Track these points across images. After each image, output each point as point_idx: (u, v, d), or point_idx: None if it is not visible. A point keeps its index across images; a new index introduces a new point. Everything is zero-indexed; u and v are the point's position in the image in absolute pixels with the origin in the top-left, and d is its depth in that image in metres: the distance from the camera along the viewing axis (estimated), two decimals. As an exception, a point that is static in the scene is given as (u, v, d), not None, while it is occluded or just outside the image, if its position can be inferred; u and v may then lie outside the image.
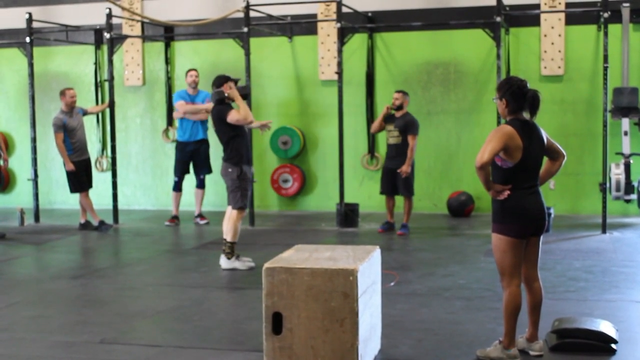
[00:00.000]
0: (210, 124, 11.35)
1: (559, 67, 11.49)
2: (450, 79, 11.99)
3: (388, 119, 10.10)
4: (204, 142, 11.24)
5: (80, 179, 10.70)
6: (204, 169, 11.28)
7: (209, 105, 11.11)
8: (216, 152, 11.65)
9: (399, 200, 10.36)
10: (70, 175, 10.67)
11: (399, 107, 10.02)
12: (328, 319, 4.54)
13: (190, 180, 11.50)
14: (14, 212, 11.81)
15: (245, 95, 8.30)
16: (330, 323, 4.54)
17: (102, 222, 10.76)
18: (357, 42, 12.13)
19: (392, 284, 7.10)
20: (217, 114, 8.10)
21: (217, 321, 6.10)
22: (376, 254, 5.16)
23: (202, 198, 11.41)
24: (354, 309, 4.52)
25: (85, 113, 11.06)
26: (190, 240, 10.22)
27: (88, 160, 10.94)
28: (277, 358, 4.63)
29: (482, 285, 7.06)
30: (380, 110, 10.41)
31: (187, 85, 11.29)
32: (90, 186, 10.92)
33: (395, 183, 10.04)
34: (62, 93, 10.68)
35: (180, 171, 11.26)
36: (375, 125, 10.37)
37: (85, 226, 10.84)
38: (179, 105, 11.04)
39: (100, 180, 12.74)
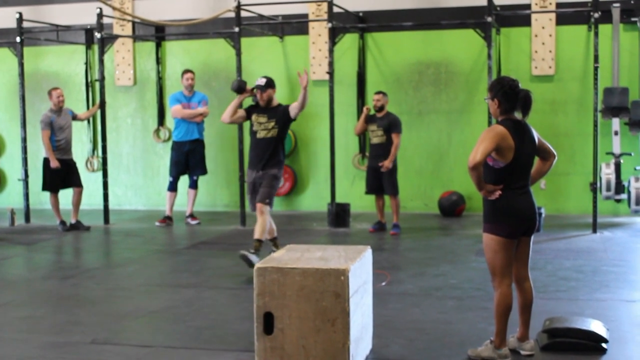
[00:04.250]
0: (206, 124, 11.39)
1: (550, 67, 11.52)
2: (442, 79, 12.00)
3: (370, 119, 10.18)
4: (200, 143, 11.23)
5: (55, 179, 10.72)
6: (198, 169, 11.27)
7: (205, 109, 11.12)
8: (210, 153, 11.66)
9: (388, 199, 10.35)
10: (48, 172, 10.69)
11: (381, 108, 10.09)
12: (319, 318, 4.54)
13: (182, 180, 11.47)
14: (4, 212, 11.77)
15: (239, 88, 8.04)
16: (322, 323, 4.54)
17: (62, 222, 10.83)
18: (348, 42, 12.14)
19: (383, 283, 7.10)
20: (285, 116, 7.97)
21: (209, 321, 6.10)
22: (367, 253, 5.16)
23: (194, 198, 11.39)
24: (346, 309, 4.52)
25: (75, 117, 11.04)
26: (181, 241, 10.20)
27: (70, 161, 10.91)
28: (268, 358, 4.62)
29: (473, 285, 7.07)
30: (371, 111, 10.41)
31: (182, 87, 11.26)
32: (78, 185, 10.90)
33: (381, 182, 10.10)
34: (49, 93, 10.77)
35: (176, 171, 11.25)
36: (358, 127, 10.45)
37: (76, 226, 10.81)
38: (176, 111, 11.02)
39: (91, 180, 12.72)
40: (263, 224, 7.76)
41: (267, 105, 7.97)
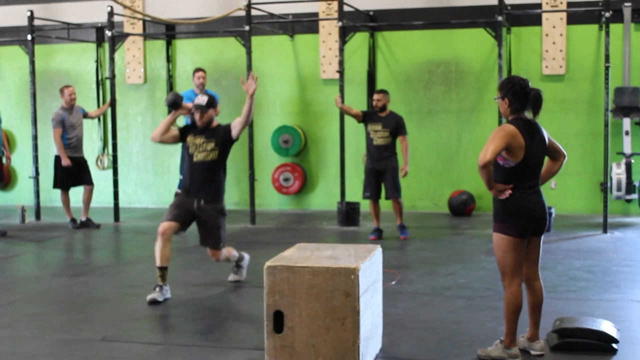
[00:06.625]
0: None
1: (561, 67, 11.49)
2: (452, 78, 11.99)
3: (371, 118, 9.57)
4: None
5: (66, 177, 10.75)
6: None
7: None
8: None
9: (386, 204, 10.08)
10: (59, 170, 10.73)
11: (383, 108, 9.47)
12: (329, 317, 4.54)
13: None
14: (15, 209, 11.82)
15: (174, 103, 7.07)
16: (332, 322, 4.54)
17: (73, 220, 10.87)
18: (359, 40, 12.14)
19: (393, 282, 7.10)
20: (226, 135, 6.96)
21: (218, 319, 6.11)
22: (377, 252, 5.16)
23: (203, 196, 11.39)
24: (355, 308, 4.52)
25: (86, 115, 11.06)
26: (191, 238, 10.15)
27: (81, 159, 10.94)
28: (278, 356, 4.63)
29: (483, 285, 7.06)
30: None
31: (193, 85, 11.26)
32: (89, 183, 10.93)
33: (381, 185, 9.57)
34: (61, 91, 10.78)
35: None
36: (347, 108, 9.85)
37: (86, 224, 10.84)
38: None
39: (102, 178, 12.76)
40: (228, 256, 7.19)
41: (206, 126, 6.96)
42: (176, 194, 7.03)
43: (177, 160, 12.00)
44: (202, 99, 6.94)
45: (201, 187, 6.90)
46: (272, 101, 12.58)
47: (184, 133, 7.06)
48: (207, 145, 6.91)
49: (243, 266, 7.41)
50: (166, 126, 6.98)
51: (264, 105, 12.47)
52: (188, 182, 6.98)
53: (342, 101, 10.13)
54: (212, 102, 6.95)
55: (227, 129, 6.94)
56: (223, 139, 6.92)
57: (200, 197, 6.88)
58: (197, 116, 6.95)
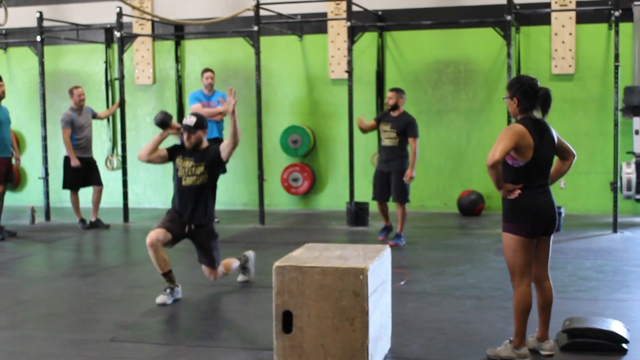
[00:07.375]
0: (225, 123, 11.33)
1: (570, 66, 11.46)
2: (461, 77, 11.96)
3: (383, 117, 9.29)
4: (219, 141, 11.19)
5: (75, 177, 10.79)
6: None
7: (225, 108, 11.04)
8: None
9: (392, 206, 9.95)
10: (68, 171, 10.77)
11: (394, 107, 9.16)
12: (338, 317, 4.54)
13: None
14: (24, 210, 11.85)
15: (163, 123, 6.90)
16: (341, 322, 4.54)
17: (82, 220, 10.91)
18: (367, 40, 12.12)
19: (402, 283, 7.09)
20: (216, 158, 6.83)
21: (227, 320, 6.11)
22: (386, 252, 5.15)
23: (213, 197, 11.40)
24: (364, 308, 4.51)
25: (95, 116, 11.09)
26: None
27: (90, 159, 10.97)
28: (287, 357, 4.63)
29: (493, 285, 7.04)
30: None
31: (202, 86, 11.25)
32: (98, 183, 10.97)
33: (389, 188, 9.25)
34: (70, 92, 10.81)
35: None
36: (364, 126, 9.45)
37: (96, 224, 10.87)
38: (195, 110, 10.99)
39: (111, 178, 12.78)
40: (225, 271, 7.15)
41: (194, 147, 6.83)
42: (168, 212, 7.00)
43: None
44: (191, 120, 6.78)
45: (191, 212, 6.81)
46: (281, 101, 12.59)
47: (172, 153, 6.91)
48: (196, 169, 6.79)
49: (249, 267, 7.41)
50: (154, 146, 6.82)
51: (273, 105, 12.48)
52: (177, 205, 6.87)
53: (363, 120, 9.55)
54: (201, 123, 6.81)
55: (217, 150, 6.79)
56: (212, 162, 6.80)
57: (190, 222, 6.84)
58: (185, 137, 6.80)
